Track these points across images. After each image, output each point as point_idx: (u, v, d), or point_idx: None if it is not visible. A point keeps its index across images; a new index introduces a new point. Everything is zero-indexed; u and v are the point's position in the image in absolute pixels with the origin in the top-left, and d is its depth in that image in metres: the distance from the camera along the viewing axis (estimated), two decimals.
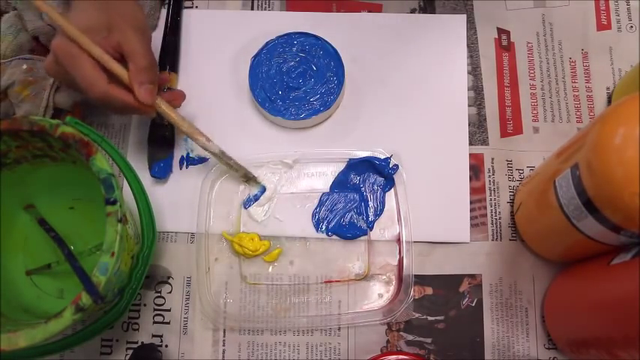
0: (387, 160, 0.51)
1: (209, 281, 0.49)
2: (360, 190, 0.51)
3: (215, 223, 0.50)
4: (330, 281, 0.49)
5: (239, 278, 0.49)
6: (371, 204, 0.50)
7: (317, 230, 0.50)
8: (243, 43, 0.55)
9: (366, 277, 0.49)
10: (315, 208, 0.51)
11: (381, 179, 0.51)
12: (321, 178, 0.52)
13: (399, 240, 0.49)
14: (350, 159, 0.51)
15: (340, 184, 0.51)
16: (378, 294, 0.49)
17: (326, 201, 0.51)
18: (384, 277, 0.49)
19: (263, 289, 0.49)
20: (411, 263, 0.48)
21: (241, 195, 0.51)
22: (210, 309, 0.48)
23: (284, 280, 0.49)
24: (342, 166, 0.51)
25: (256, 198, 0.50)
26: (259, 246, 0.49)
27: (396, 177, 0.50)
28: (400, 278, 0.48)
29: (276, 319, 0.48)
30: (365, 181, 0.51)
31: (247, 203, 0.51)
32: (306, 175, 0.52)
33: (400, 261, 0.48)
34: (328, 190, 0.51)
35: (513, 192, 0.51)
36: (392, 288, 0.49)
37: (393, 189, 0.51)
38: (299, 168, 0.52)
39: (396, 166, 0.50)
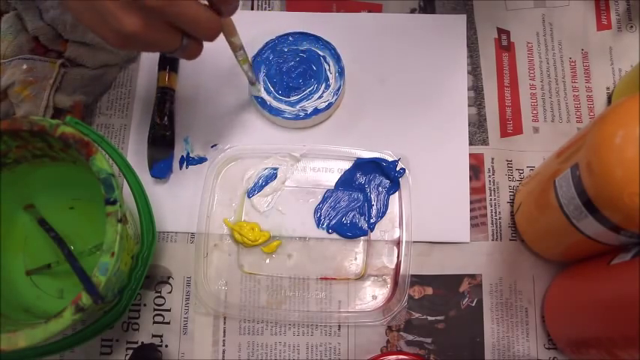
0: (394, 163, 0.50)
1: (206, 266, 0.49)
2: (364, 191, 0.51)
3: (217, 210, 0.50)
4: (326, 278, 0.49)
5: (236, 266, 0.49)
6: (374, 205, 0.50)
7: (318, 226, 0.50)
8: (243, 43, 0.55)
9: (362, 277, 0.49)
10: (318, 204, 0.51)
11: (386, 181, 0.51)
12: (326, 174, 0.51)
13: (398, 243, 0.49)
14: (357, 158, 0.51)
15: (345, 182, 0.51)
16: (372, 295, 0.48)
17: (329, 198, 0.51)
18: (380, 279, 0.49)
19: (259, 279, 0.49)
20: (408, 267, 0.48)
21: (246, 184, 0.51)
22: (205, 294, 0.48)
23: (281, 272, 0.49)
24: (348, 165, 0.51)
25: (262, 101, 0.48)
26: (259, 236, 0.49)
27: (401, 181, 0.50)
28: (396, 282, 0.48)
29: (269, 310, 0.48)
30: (370, 181, 0.51)
31: (251, 192, 0.51)
32: (312, 170, 0.52)
33: (397, 265, 0.48)
34: (333, 187, 0.51)
35: (513, 192, 0.51)
36: (386, 291, 0.49)
37: (397, 192, 0.50)
38: (306, 162, 0.52)
39: (403, 169, 0.50)
